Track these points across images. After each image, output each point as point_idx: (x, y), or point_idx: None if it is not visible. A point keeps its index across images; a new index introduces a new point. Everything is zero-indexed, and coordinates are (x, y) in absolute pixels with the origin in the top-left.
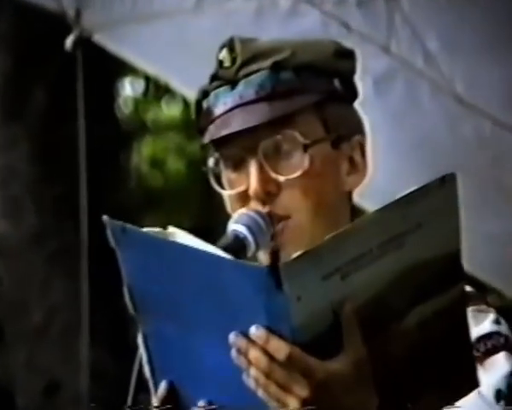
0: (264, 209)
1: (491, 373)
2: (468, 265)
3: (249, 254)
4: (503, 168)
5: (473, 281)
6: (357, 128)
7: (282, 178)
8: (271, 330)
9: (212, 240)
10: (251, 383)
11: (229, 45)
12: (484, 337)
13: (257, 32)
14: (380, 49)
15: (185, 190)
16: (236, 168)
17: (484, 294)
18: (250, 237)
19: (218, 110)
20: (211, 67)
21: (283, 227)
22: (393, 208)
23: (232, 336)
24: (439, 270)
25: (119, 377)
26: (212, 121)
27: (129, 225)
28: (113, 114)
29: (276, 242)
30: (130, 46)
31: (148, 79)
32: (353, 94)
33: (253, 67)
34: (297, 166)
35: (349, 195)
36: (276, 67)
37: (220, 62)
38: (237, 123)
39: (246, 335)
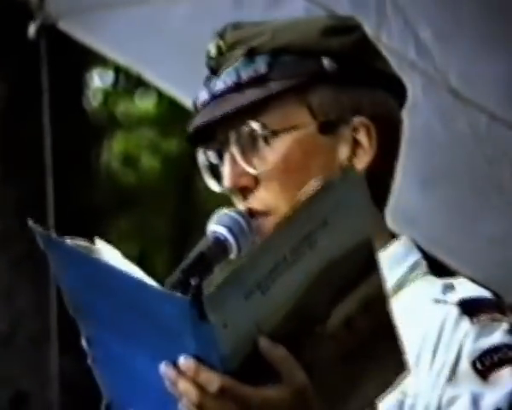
0: (244, 205)
1: (493, 390)
2: (465, 267)
3: (231, 256)
4: (500, 167)
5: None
6: (361, 107)
7: (253, 172)
8: (200, 359)
9: (189, 241)
10: None
11: (221, 33)
12: (491, 350)
13: (237, 20)
14: None
15: (160, 189)
16: (222, 162)
17: (499, 301)
18: (231, 239)
19: (200, 103)
20: (188, 58)
21: (261, 224)
22: (298, 211)
23: (162, 367)
24: (354, 263)
25: (90, 387)
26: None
27: (54, 235)
28: (81, 108)
29: (259, 239)
30: (98, 34)
31: (117, 69)
32: (358, 71)
33: (232, 54)
34: (266, 158)
35: (371, 179)
36: (251, 53)
37: (207, 52)
38: (208, 115)
39: (176, 364)
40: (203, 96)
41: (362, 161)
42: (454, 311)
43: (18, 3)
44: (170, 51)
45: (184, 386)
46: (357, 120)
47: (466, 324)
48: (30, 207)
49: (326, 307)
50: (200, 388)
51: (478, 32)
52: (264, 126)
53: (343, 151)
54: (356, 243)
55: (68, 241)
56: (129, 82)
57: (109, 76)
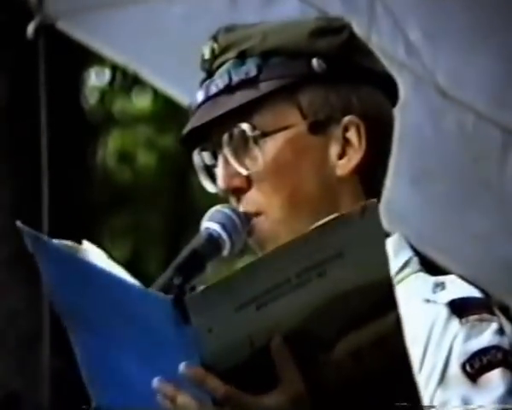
0: (239, 206)
1: (483, 393)
2: (453, 264)
3: (225, 253)
4: (488, 165)
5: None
6: (351, 107)
7: (244, 172)
8: (182, 358)
9: (184, 238)
10: None
11: (214, 36)
12: (480, 352)
13: (232, 20)
14: None
15: (156, 186)
16: (217, 163)
17: (489, 300)
18: (224, 236)
19: (194, 105)
20: (183, 56)
21: (256, 225)
22: (311, 237)
23: (156, 383)
24: (368, 298)
25: (82, 387)
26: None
27: (42, 236)
28: (78, 106)
29: (252, 239)
30: (96, 33)
31: (114, 67)
32: (347, 70)
33: (224, 57)
34: (256, 159)
35: (362, 176)
36: (242, 56)
37: (202, 55)
38: (201, 118)
39: (173, 372)
40: (198, 98)
41: (352, 160)
42: (444, 312)
43: (17, 3)
44: (166, 50)
45: (183, 400)
46: (346, 119)
47: (455, 325)
48: (25, 205)
49: (333, 335)
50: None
51: (466, 33)
52: (253, 128)
53: (333, 150)
54: (372, 280)
55: (55, 241)
56: (125, 80)
57: (106, 75)
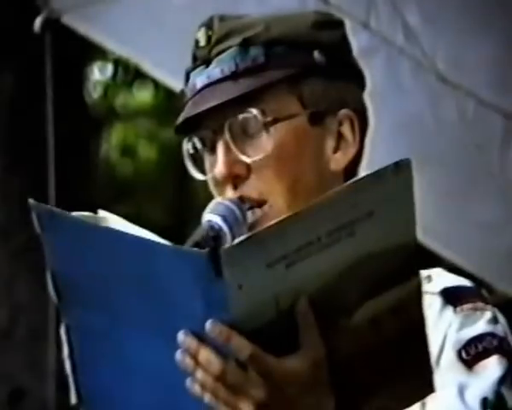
0: (236, 194)
1: (479, 379)
2: (455, 253)
3: (225, 245)
4: (488, 151)
5: (460, 272)
6: (346, 101)
7: (248, 160)
8: (207, 319)
9: (185, 231)
10: (195, 388)
11: (207, 24)
12: (475, 339)
13: (233, 10)
14: (359, 25)
15: (157, 179)
16: (212, 151)
17: (480, 289)
18: (225, 228)
19: (191, 92)
20: (184, 48)
21: (262, 215)
22: (343, 195)
23: (181, 336)
24: (393, 262)
25: None
26: (186, 104)
27: (57, 210)
28: (82, 100)
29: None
30: (99, 27)
31: (117, 62)
32: (343, 66)
33: (225, 44)
34: (263, 146)
35: (347, 172)
36: (246, 44)
37: (196, 42)
38: (203, 104)
39: (194, 333)
40: (197, 83)
41: (347, 155)
42: (437, 300)
43: None
44: (167, 42)
45: (206, 355)
46: (342, 112)
47: (449, 313)
48: (31, 197)
49: (354, 300)
50: (223, 357)
51: (465, 18)
52: (263, 113)
53: (329, 144)
54: (398, 243)
55: (73, 213)
56: (127, 74)
57: (109, 69)
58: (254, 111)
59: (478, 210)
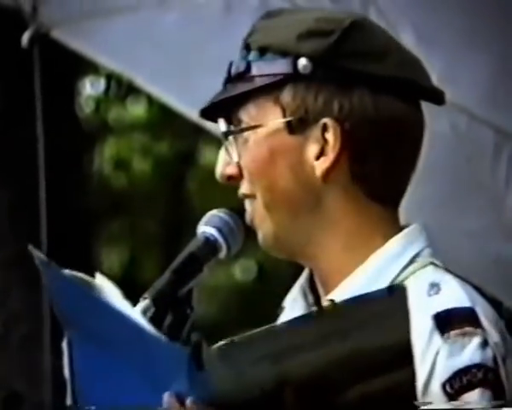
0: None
1: None
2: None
3: (221, 256)
4: (480, 165)
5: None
6: (331, 109)
7: (233, 162)
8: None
9: (180, 244)
10: None
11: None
12: (460, 372)
13: (226, 27)
14: None
15: (151, 193)
16: None
17: (473, 310)
18: (221, 239)
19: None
20: (177, 63)
21: (253, 208)
22: (335, 311)
23: (166, 396)
24: (385, 355)
25: None
26: None
27: (53, 264)
28: (74, 115)
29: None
30: (91, 42)
31: (109, 77)
32: (329, 73)
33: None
34: (244, 150)
35: (341, 180)
36: (247, 48)
37: None
38: (216, 96)
39: (178, 395)
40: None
41: (325, 161)
42: (429, 324)
43: (11, 12)
44: (160, 57)
45: None
46: (323, 120)
47: (438, 340)
48: (23, 211)
49: (345, 384)
50: None
51: (458, 34)
52: (247, 119)
53: (311, 151)
54: (393, 341)
55: (67, 272)
56: (120, 89)
57: (101, 84)
58: (221, 120)
59: (469, 222)
